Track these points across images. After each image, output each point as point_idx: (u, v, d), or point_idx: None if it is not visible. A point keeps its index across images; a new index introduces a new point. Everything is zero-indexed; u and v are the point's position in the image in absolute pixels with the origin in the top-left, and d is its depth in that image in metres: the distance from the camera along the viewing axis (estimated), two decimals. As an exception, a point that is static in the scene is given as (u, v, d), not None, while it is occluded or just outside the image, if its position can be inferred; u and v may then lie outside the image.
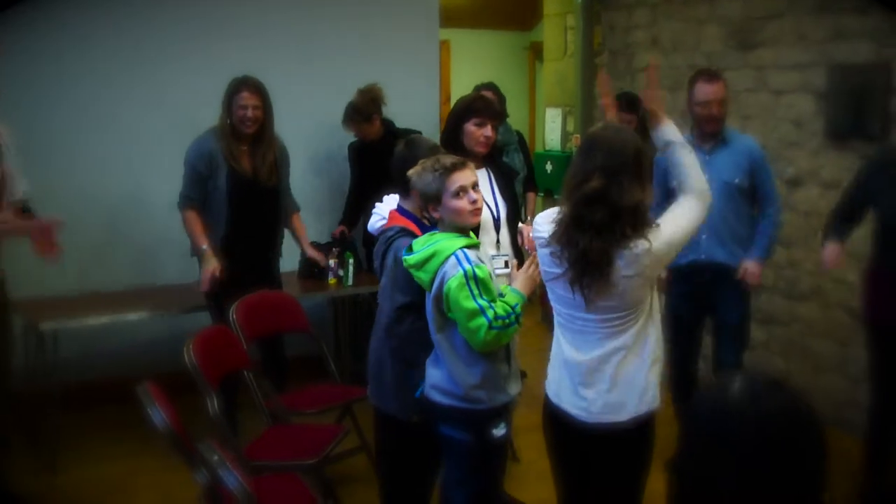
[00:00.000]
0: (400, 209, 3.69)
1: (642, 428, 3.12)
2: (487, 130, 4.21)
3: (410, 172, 3.33)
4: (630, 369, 3.06)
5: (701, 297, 4.91)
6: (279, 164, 5.31)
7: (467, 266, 3.13)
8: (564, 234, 2.98)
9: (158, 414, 3.15)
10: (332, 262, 5.83)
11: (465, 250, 3.18)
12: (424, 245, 3.23)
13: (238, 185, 5.11)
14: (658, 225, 2.99)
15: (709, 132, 4.79)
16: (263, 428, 4.46)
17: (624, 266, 2.92)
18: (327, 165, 6.39)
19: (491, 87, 6.30)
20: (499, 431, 3.36)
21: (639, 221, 2.94)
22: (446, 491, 3.57)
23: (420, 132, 5.69)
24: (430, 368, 3.41)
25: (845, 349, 5.51)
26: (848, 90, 5.38)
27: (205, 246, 5.09)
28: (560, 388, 3.19)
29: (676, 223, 3.06)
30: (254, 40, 6.17)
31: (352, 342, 6.42)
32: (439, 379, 3.36)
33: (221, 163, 5.09)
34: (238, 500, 2.71)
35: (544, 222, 3.13)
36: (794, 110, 5.77)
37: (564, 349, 3.17)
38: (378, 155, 5.90)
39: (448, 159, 3.28)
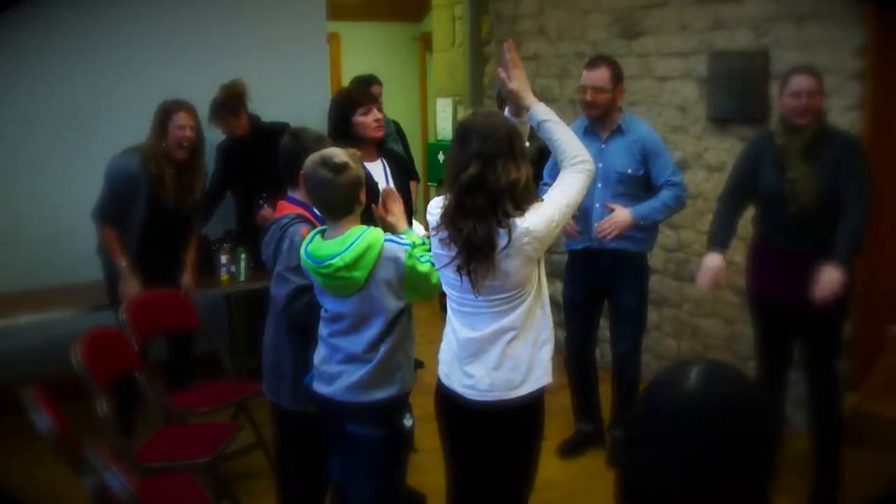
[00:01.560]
0: (290, 199, 3.71)
1: (529, 406, 3.17)
2: (375, 114, 4.25)
3: (336, 156, 3.25)
4: (518, 349, 3.11)
5: (597, 283, 4.97)
6: (202, 187, 5.30)
7: (405, 242, 3.21)
8: (450, 222, 3.03)
9: (43, 419, 3.07)
10: (224, 258, 5.75)
11: (386, 234, 3.26)
12: (346, 245, 3.16)
13: (156, 212, 5.04)
14: (542, 201, 3.05)
15: (590, 117, 4.83)
16: (157, 429, 4.39)
17: (505, 246, 2.97)
18: (214, 160, 6.27)
19: (372, 78, 6.31)
20: (408, 421, 3.42)
21: (519, 199, 3.00)
22: (347, 488, 3.56)
23: (288, 124, 5.70)
24: (337, 368, 3.37)
25: (733, 327, 5.66)
26: (728, 76, 5.51)
27: (123, 263, 5.02)
28: (450, 368, 3.24)
29: (557, 200, 3.10)
30: (140, 35, 6.03)
31: (247, 339, 6.36)
32: (353, 377, 3.33)
33: (143, 187, 4.98)
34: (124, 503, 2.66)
35: (435, 207, 3.18)
36: (678, 96, 5.89)
37: (456, 328, 3.22)
38: (246, 150, 5.88)
39: (337, 158, 3.23)
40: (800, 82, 4.24)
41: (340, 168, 3.18)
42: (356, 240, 3.16)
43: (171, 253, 5.23)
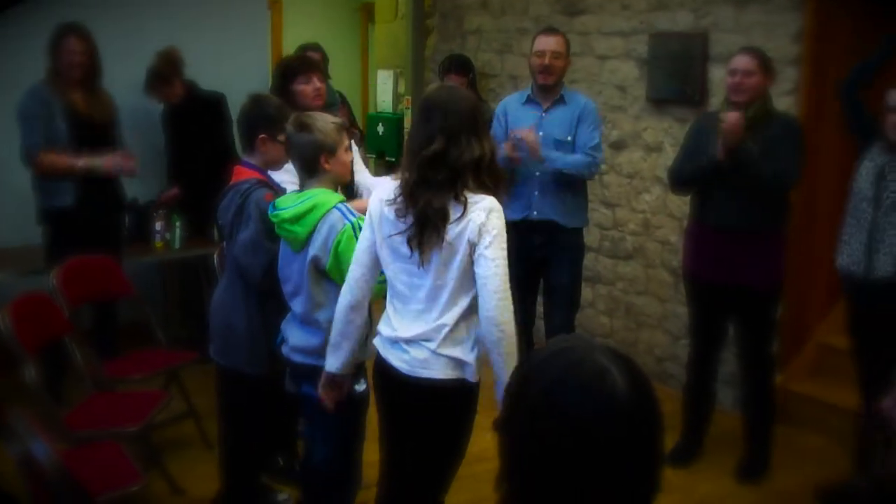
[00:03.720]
0: (246, 163, 3.71)
1: (463, 391, 3.14)
2: (315, 83, 4.25)
3: (307, 118, 3.37)
4: (455, 341, 3.08)
5: (534, 259, 4.99)
6: (112, 106, 5.31)
7: (353, 219, 3.26)
8: (409, 195, 3.01)
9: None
10: (158, 225, 5.69)
11: (345, 204, 3.31)
12: (298, 200, 3.29)
13: (78, 124, 5.04)
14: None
15: (542, 83, 4.86)
16: (87, 396, 4.34)
17: (459, 217, 2.97)
18: (148, 127, 6.16)
19: (316, 47, 6.25)
20: (360, 387, 3.44)
21: (482, 173, 3.01)
22: (310, 448, 3.63)
23: (223, 94, 5.66)
24: (288, 329, 3.48)
25: (665, 306, 5.73)
26: (668, 57, 5.55)
27: (81, 162, 4.98)
28: (387, 342, 3.20)
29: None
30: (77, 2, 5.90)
31: (181, 306, 6.30)
32: (299, 339, 3.42)
33: (56, 104, 5.01)
34: (48, 471, 2.63)
35: (384, 191, 3.15)
36: (618, 75, 5.92)
37: (393, 317, 3.19)
38: (183, 117, 5.82)
39: (305, 118, 3.39)
40: (737, 61, 4.36)
41: (301, 126, 3.34)
42: (308, 198, 3.28)
43: (106, 180, 5.21)
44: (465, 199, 2.97)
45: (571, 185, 4.89)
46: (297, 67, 4.27)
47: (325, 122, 3.37)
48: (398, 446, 3.32)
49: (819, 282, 5.16)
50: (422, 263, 3.04)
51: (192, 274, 6.10)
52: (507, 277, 3.04)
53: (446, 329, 3.07)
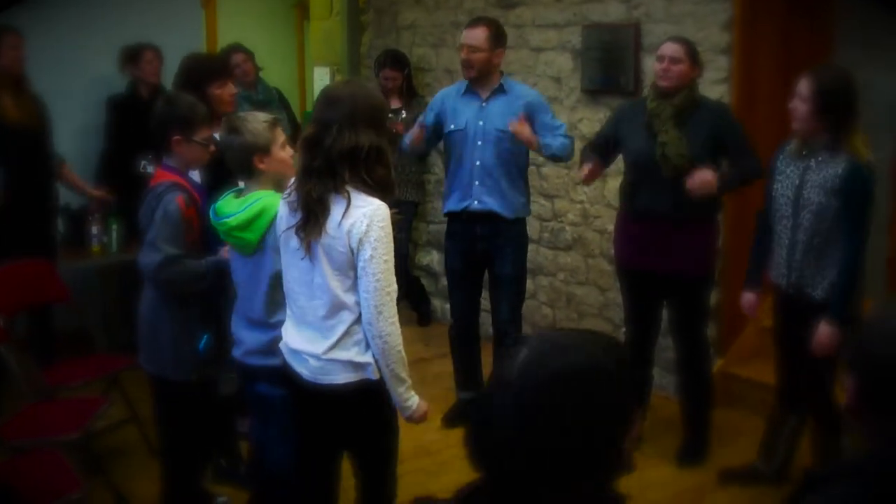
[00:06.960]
0: (165, 165, 3.68)
1: (369, 391, 3.11)
2: (231, 88, 4.29)
3: (237, 121, 3.37)
4: (347, 344, 3.06)
5: (476, 252, 4.98)
6: (43, 109, 5.23)
7: None
8: (297, 184, 3.04)
9: None
10: (95, 229, 5.60)
11: None
12: (242, 206, 3.27)
13: (7, 132, 4.96)
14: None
15: (467, 77, 4.84)
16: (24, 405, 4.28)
17: (339, 213, 2.95)
18: (92, 128, 6.08)
19: (239, 48, 6.21)
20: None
21: (359, 167, 2.97)
22: (264, 451, 3.58)
23: None
24: (242, 333, 3.45)
25: (606, 295, 5.78)
26: (601, 48, 5.60)
27: None
28: (289, 351, 3.19)
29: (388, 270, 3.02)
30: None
31: (122, 311, 6.21)
32: (254, 342, 3.40)
33: None
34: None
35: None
36: (554, 67, 5.95)
37: (289, 322, 3.20)
38: (137, 113, 5.73)
39: (235, 122, 3.37)
40: (665, 48, 4.42)
41: (232, 130, 3.33)
42: (253, 202, 3.26)
43: (39, 183, 5.17)
44: (348, 193, 2.95)
45: (509, 174, 4.88)
46: (216, 70, 4.29)
47: (256, 121, 3.36)
48: (324, 455, 3.28)
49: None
50: (306, 254, 3.02)
51: (131, 277, 5.99)
52: (391, 289, 3.01)
53: (337, 332, 3.05)
